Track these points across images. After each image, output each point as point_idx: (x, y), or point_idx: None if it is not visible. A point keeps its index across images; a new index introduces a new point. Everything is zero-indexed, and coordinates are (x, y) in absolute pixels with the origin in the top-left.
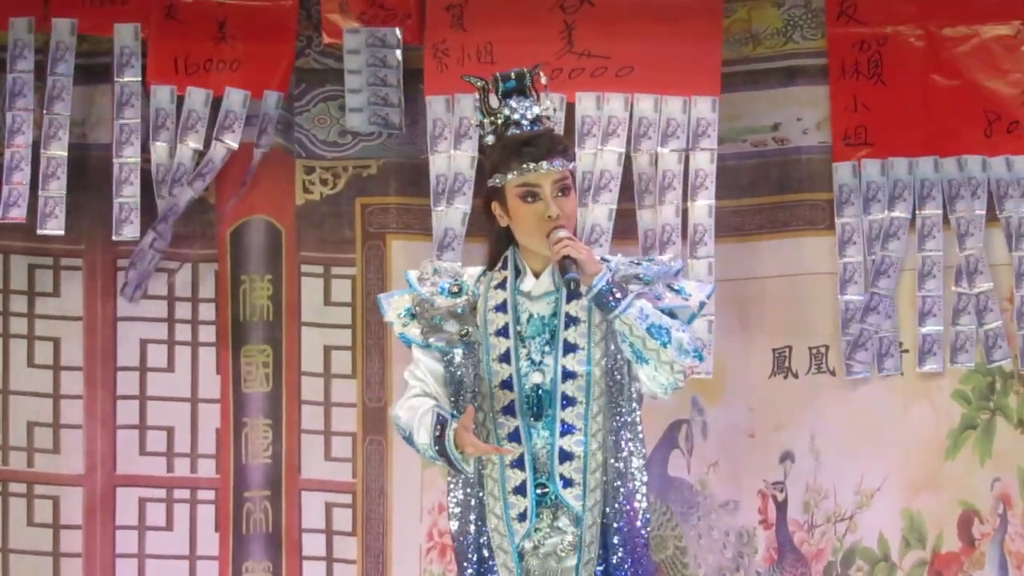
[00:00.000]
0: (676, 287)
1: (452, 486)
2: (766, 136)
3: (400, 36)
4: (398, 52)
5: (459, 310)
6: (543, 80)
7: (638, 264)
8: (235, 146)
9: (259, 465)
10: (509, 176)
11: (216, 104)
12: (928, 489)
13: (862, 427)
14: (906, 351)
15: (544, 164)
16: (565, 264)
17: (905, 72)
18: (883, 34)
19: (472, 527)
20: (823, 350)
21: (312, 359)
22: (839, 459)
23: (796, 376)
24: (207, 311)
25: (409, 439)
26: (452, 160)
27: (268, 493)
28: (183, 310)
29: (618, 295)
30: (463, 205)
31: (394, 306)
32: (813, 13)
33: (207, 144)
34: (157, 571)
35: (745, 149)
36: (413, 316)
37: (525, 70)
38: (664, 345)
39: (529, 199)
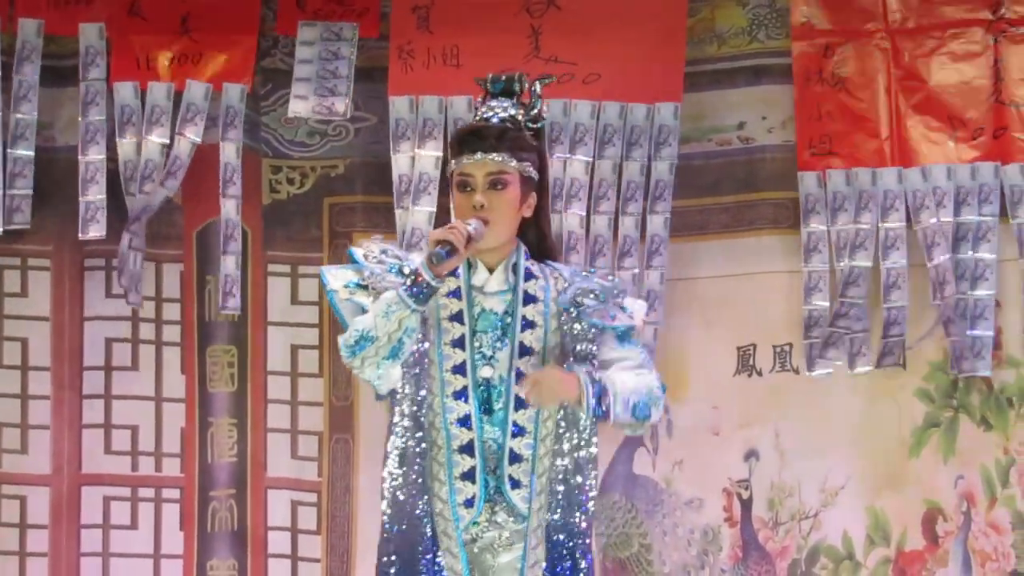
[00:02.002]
0: (622, 305)
1: (391, 466)
2: (731, 135)
3: (356, 31)
4: (353, 46)
5: None
6: (537, 89)
7: (587, 277)
8: (198, 140)
9: (225, 464)
10: (452, 164)
11: (179, 99)
12: (892, 487)
13: (826, 425)
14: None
15: (479, 155)
16: (442, 246)
17: (869, 80)
18: (846, 42)
19: (415, 508)
20: (787, 348)
21: (279, 358)
22: (803, 457)
23: (760, 374)
24: (172, 311)
25: (365, 334)
26: (417, 160)
27: (233, 491)
28: (148, 310)
29: (604, 404)
30: (429, 205)
31: (338, 278)
32: (778, 12)
33: (172, 140)
34: (122, 570)
35: (710, 148)
36: (363, 287)
37: (516, 75)
38: (645, 419)
39: (463, 188)
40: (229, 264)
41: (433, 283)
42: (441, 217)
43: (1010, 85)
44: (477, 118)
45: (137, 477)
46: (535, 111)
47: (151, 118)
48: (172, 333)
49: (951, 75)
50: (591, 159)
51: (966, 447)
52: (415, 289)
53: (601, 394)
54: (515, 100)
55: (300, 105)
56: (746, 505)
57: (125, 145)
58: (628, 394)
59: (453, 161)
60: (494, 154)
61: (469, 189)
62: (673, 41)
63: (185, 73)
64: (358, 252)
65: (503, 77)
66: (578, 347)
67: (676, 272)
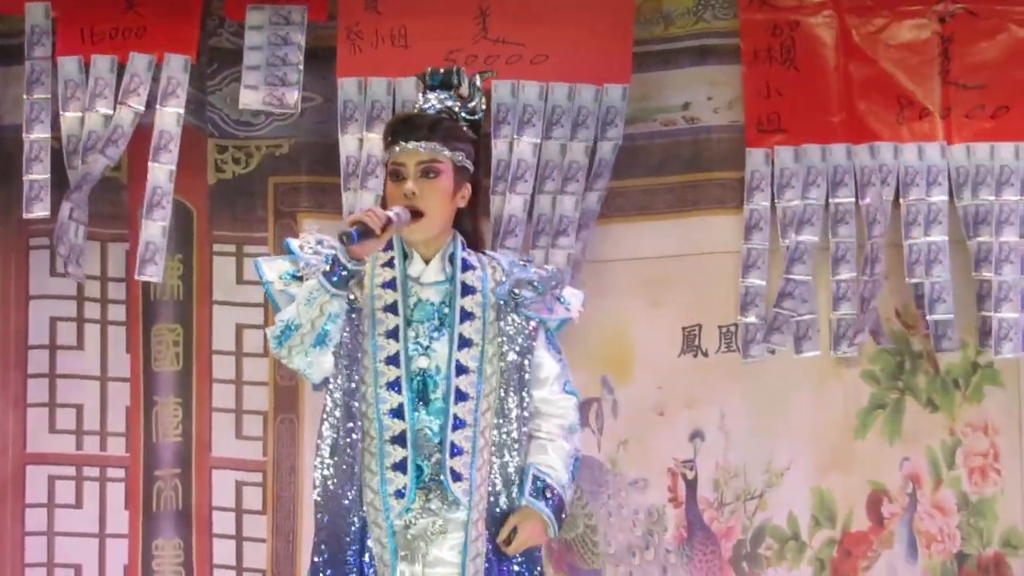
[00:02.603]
0: (559, 296)
1: (322, 455)
2: (676, 115)
3: (305, 14)
4: (302, 31)
5: None
6: (477, 83)
7: (524, 267)
8: (141, 108)
9: (169, 443)
10: (385, 154)
11: (123, 71)
12: (837, 468)
13: (772, 406)
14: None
15: (411, 143)
16: (354, 227)
17: (818, 58)
18: (795, 19)
19: (346, 497)
20: (732, 329)
21: (223, 338)
22: (749, 438)
23: (706, 355)
24: (117, 290)
25: (290, 323)
26: (364, 142)
27: (178, 471)
28: (93, 288)
29: (565, 515)
30: (376, 188)
31: (273, 269)
32: None
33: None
34: (67, 549)
35: (655, 128)
36: (298, 278)
37: (455, 68)
38: (578, 465)
39: (394, 177)
40: (153, 231)
41: (349, 266)
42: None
43: (958, 65)
44: (414, 108)
45: (82, 456)
46: (473, 103)
47: (95, 91)
48: (117, 312)
49: (900, 54)
50: (539, 140)
51: (912, 429)
52: (332, 273)
53: (559, 509)
54: (453, 92)
55: (251, 96)
56: (691, 486)
57: (69, 119)
58: (568, 480)
59: (387, 150)
60: (426, 143)
61: (401, 177)
62: (621, 22)
63: (129, 46)
64: (294, 243)
65: (441, 70)
66: (515, 344)
67: (621, 252)
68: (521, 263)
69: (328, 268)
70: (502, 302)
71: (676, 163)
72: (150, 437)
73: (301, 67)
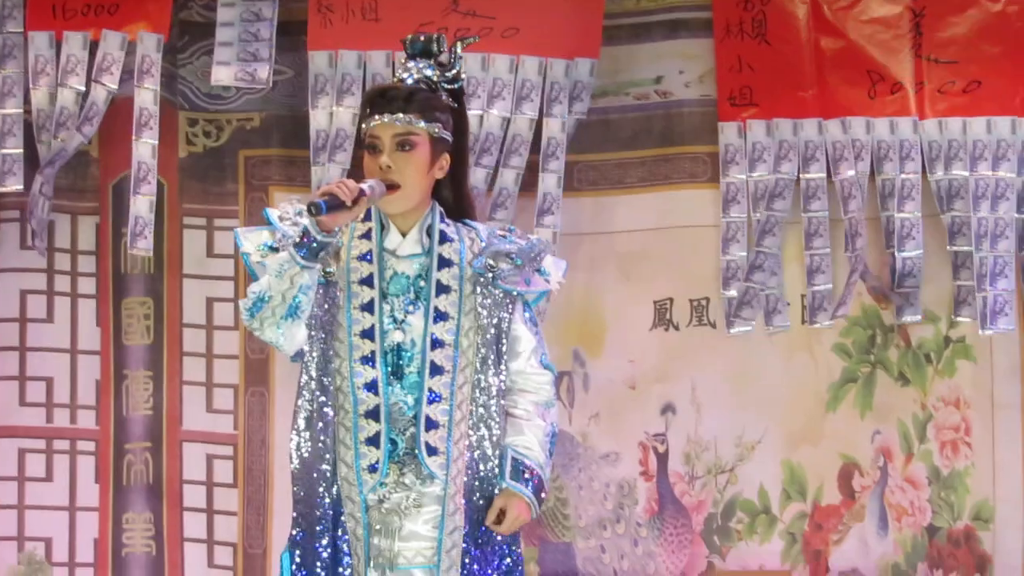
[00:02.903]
0: (539, 267)
1: (297, 427)
2: (648, 89)
3: None
4: (274, 6)
5: None
6: (457, 50)
7: (505, 238)
8: (114, 87)
9: (140, 417)
10: (362, 126)
11: (95, 49)
12: (809, 442)
13: (743, 379)
14: (787, 304)
15: (386, 116)
16: (324, 199)
17: (790, 32)
18: None
19: (320, 470)
20: (704, 303)
21: (194, 311)
22: (720, 411)
23: (677, 328)
24: (87, 263)
25: (261, 295)
26: (334, 116)
27: (149, 445)
28: (63, 262)
29: (544, 495)
30: (342, 162)
31: (252, 239)
32: None
33: (89, 89)
34: (37, 522)
35: (627, 102)
36: (274, 249)
37: (435, 35)
38: (555, 441)
39: (371, 150)
40: (141, 206)
41: (319, 238)
42: (354, 174)
43: (930, 40)
44: (393, 78)
45: (52, 429)
46: (453, 71)
47: (67, 67)
48: (87, 285)
49: (871, 29)
50: (509, 114)
51: (883, 402)
52: (302, 245)
53: (541, 490)
54: (432, 61)
55: (223, 72)
56: (662, 459)
57: (39, 94)
58: (545, 459)
59: (363, 123)
60: (401, 115)
61: (377, 150)
62: None
63: (101, 23)
64: (273, 213)
65: (421, 38)
66: (492, 318)
67: (593, 226)
68: (501, 234)
69: (298, 240)
70: (479, 275)
71: (648, 137)
72: (120, 410)
73: (273, 42)
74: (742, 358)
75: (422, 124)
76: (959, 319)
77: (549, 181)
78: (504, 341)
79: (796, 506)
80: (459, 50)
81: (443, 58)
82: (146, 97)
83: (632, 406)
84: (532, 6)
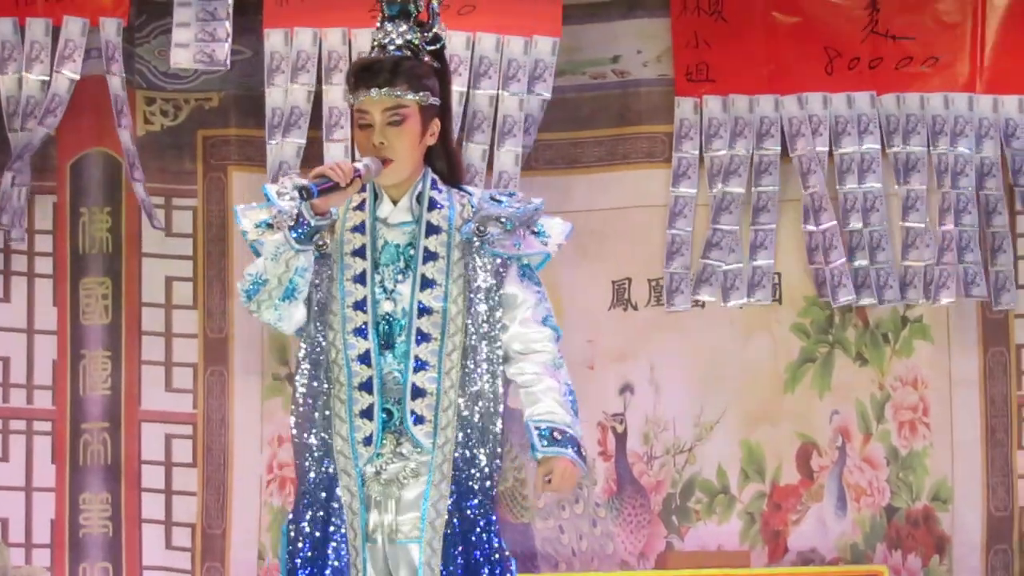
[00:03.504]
0: (536, 228)
1: (296, 402)
2: (606, 68)
3: None
4: None
5: None
6: (435, 7)
7: (498, 202)
8: (76, 76)
9: (98, 397)
10: (350, 99)
11: (57, 33)
12: (767, 422)
13: (701, 360)
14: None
15: (374, 92)
16: (316, 181)
17: (746, 9)
18: None
19: (316, 443)
20: (663, 283)
21: (153, 290)
22: (678, 391)
23: (636, 308)
24: (44, 243)
25: (257, 278)
26: (288, 94)
27: (107, 425)
28: (19, 241)
29: (584, 452)
30: (299, 139)
31: (250, 217)
32: None
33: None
34: None
35: (585, 82)
36: (270, 226)
37: None
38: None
39: (361, 126)
40: (140, 190)
41: (312, 221)
42: (310, 151)
43: (887, 15)
44: (374, 44)
45: (8, 409)
46: (433, 32)
47: (31, 54)
48: (44, 265)
49: (828, 5)
50: (465, 90)
51: (841, 382)
52: (296, 228)
53: (579, 447)
54: (411, 23)
55: (181, 54)
56: (621, 439)
57: (7, 80)
58: (569, 409)
59: (351, 96)
60: (388, 88)
61: (367, 126)
62: None
63: (63, 8)
64: (271, 189)
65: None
66: (479, 282)
67: (551, 205)
68: (494, 199)
69: (292, 222)
70: (467, 240)
71: (605, 116)
72: (77, 390)
73: (230, 22)
74: (700, 338)
75: (410, 96)
76: (906, 301)
77: (506, 159)
78: (496, 309)
79: (754, 486)
80: (436, 7)
81: (423, 17)
82: (116, 85)
83: (590, 386)
84: None
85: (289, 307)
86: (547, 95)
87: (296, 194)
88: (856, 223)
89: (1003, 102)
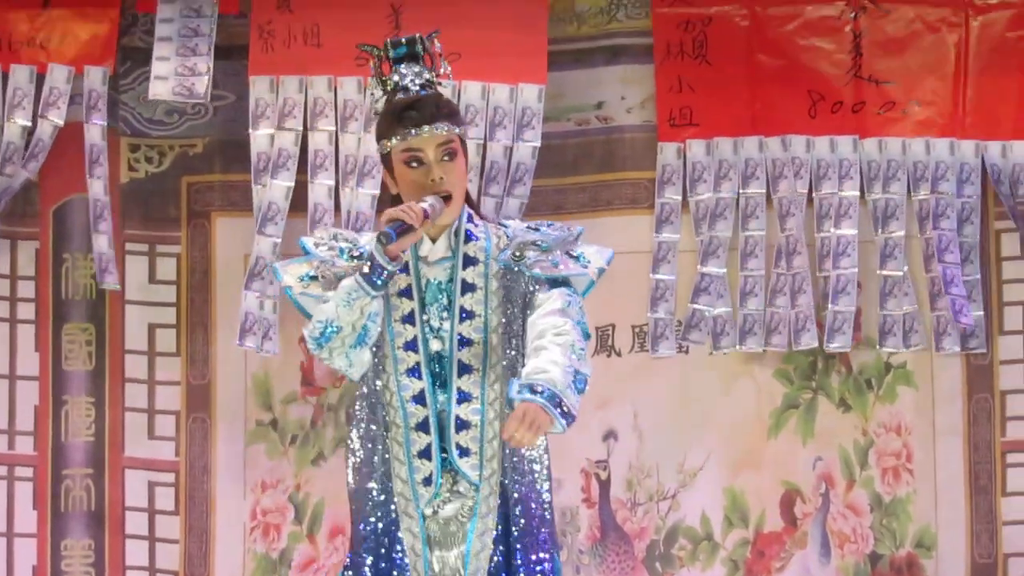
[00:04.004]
0: (575, 253)
1: (352, 447)
2: (589, 115)
3: (215, 7)
4: (212, 23)
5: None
6: (437, 47)
7: (536, 230)
8: (60, 123)
9: (81, 443)
10: (394, 141)
11: (42, 81)
12: (750, 468)
13: (685, 406)
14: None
15: (426, 128)
16: (391, 225)
17: (730, 52)
18: (707, 14)
19: (376, 488)
20: (646, 329)
21: (136, 337)
22: (662, 438)
23: (619, 354)
24: (26, 288)
25: (330, 325)
26: (276, 138)
27: (91, 471)
28: (2, 287)
29: (567, 409)
30: (287, 180)
31: (291, 272)
32: None
33: (34, 122)
34: None
35: (568, 128)
36: (314, 278)
37: (417, 36)
38: (585, 387)
39: (414, 164)
40: (102, 243)
41: (388, 267)
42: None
43: (870, 59)
44: (390, 86)
45: None
46: (444, 71)
47: (13, 100)
48: (27, 311)
49: (811, 49)
50: None
51: (824, 429)
52: (371, 274)
53: (560, 405)
54: (421, 63)
55: (160, 86)
56: (604, 486)
57: None
58: (565, 377)
59: (396, 138)
60: (439, 124)
61: (421, 164)
62: (535, 21)
63: (47, 55)
64: (308, 241)
65: (403, 41)
66: (518, 309)
67: None
68: (531, 228)
69: (367, 269)
70: (506, 268)
71: (589, 162)
72: (59, 436)
73: (211, 58)
74: (684, 384)
75: (456, 130)
76: (885, 349)
77: (489, 205)
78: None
79: (738, 533)
80: (439, 47)
81: (427, 60)
82: (95, 133)
83: (574, 432)
84: (474, 31)
85: (359, 353)
86: (536, 143)
87: (333, 241)
88: (827, 268)
89: (986, 147)
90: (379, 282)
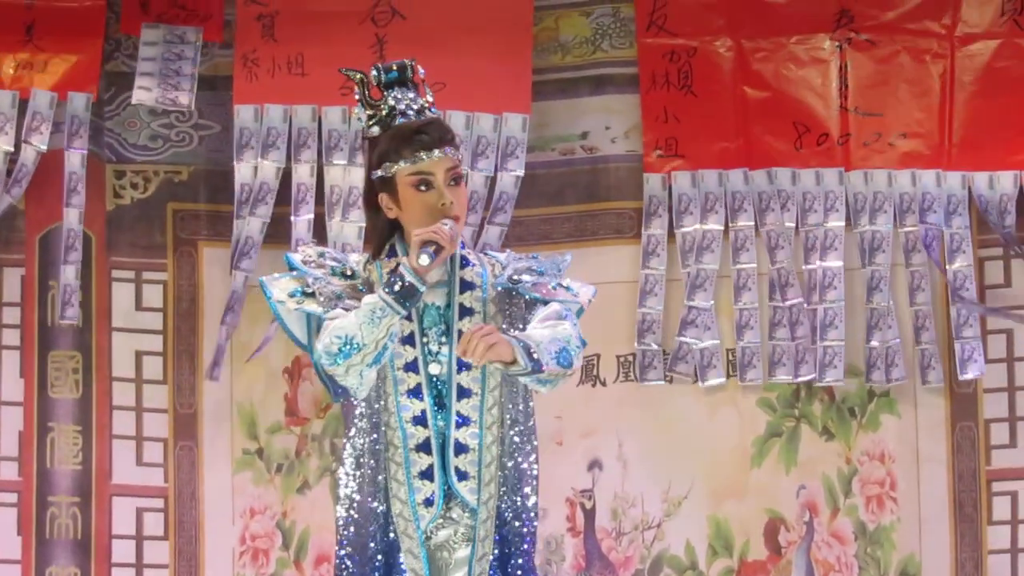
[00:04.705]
0: (566, 285)
1: (347, 470)
2: (574, 144)
3: (200, 35)
4: (196, 50)
5: (360, 288)
6: (421, 74)
7: (524, 258)
8: (44, 148)
9: (68, 471)
10: (401, 164)
11: (24, 105)
12: (734, 497)
13: (669, 435)
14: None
15: (437, 152)
16: (426, 247)
17: (715, 83)
18: (692, 45)
19: (378, 506)
20: (631, 358)
21: (123, 364)
22: (646, 467)
23: (604, 384)
24: (11, 315)
25: (351, 342)
26: (258, 170)
27: (78, 500)
28: None
29: (536, 356)
30: (264, 216)
31: (281, 287)
32: (622, 22)
33: (17, 147)
34: None
35: (553, 158)
36: (309, 294)
37: (407, 62)
38: (568, 367)
39: (423, 188)
40: (69, 273)
41: (421, 287)
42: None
43: (855, 92)
44: (385, 111)
45: None
46: (431, 99)
47: None
48: (12, 337)
49: (797, 80)
50: None
51: (808, 457)
52: (402, 294)
53: (528, 349)
54: (414, 89)
55: (144, 94)
56: (589, 515)
57: None
58: (548, 344)
59: (403, 161)
60: (447, 147)
61: (430, 188)
62: (519, 51)
63: (31, 80)
64: (296, 258)
65: (395, 66)
66: (519, 325)
67: None
68: (519, 257)
69: (398, 289)
70: (504, 291)
71: (575, 192)
72: (44, 462)
73: (195, 77)
74: (668, 414)
75: (459, 155)
76: (872, 384)
77: (466, 234)
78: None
79: (723, 562)
80: (423, 74)
81: (420, 88)
82: (74, 160)
83: (559, 462)
84: (459, 61)
85: (372, 372)
86: (520, 172)
87: (320, 259)
88: (815, 300)
89: (972, 178)
90: (409, 301)
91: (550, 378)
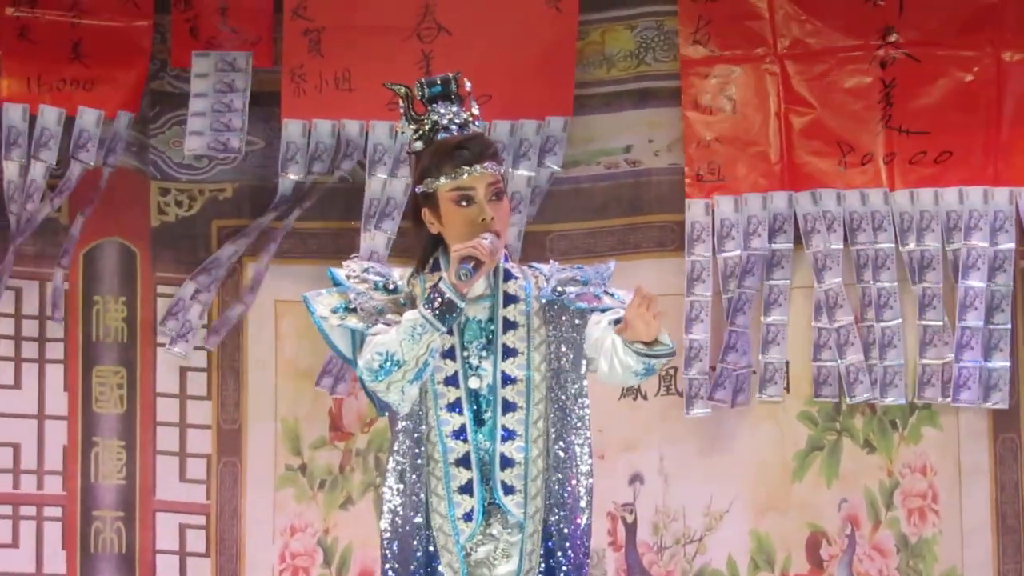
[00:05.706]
0: (611, 292)
1: (389, 485)
2: (618, 158)
3: (250, 60)
4: (247, 77)
5: (401, 302)
6: (467, 87)
7: (567, 269)
8: (91, 164)
9: (112, 485)
10: (442, 180)
11: (69, 123)
12: (776, 511)
13: (710, 449)
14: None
15: (478, 167)
16: (466, 263)
17: (758, 105)
18: (735, 66)
19: (421, 521)
20: (672, 372)
21: (167, 380)
22: (688, 481)
23: (645, 398)
24: (55, 329)
25: (392, 358)
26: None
27: (121, 514)
28: (31, 328)
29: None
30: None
31: (324, 303)
32: (665, 35)
33: (59, 162)
34: None
35: (598, 171)
36: (351, 310)
37: (450, 75)
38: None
39: (463, 203)
40: (57, 278)
41: (460, 304)
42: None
43: (900, 111)
44: (428, 126)
45: (18, 495)
46: (476, 111)
47: (40, 140)
48: (55, 351)
49: (841, 100)
50: None
51: (849, 470)
52: (442, 310)
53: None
54: (458, 102)
55: (196, 141)
56: (631, 529)
57: (10, 165)
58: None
59: (444, 177)
60: (488, 163)
61: (471, 203)
62: (563, 63)
63: (77, 98)
64: (340, 273)
65: (438, 80)
66: (562, 345)
67: None
68: (563, 267)
69: (437, 305)
70: (549, 303)
71: (618, 206)
72: (88, 476)
73: (245, 113)
74: (709, 428)
75: (501, 170)
76: (924, 400)
77: (511, 233)
78: (583, 371)
79: None
80: (469, 87)
81: (462, 96)
82: (106, 174)
83: (600, 476)
84: (504, 75)
85: (414, 388)
86: (557, 167)
87: (364, 274)
88: (870, 319)
89: (1020, 194)
90: (450, 318)
91: (659, 365)
